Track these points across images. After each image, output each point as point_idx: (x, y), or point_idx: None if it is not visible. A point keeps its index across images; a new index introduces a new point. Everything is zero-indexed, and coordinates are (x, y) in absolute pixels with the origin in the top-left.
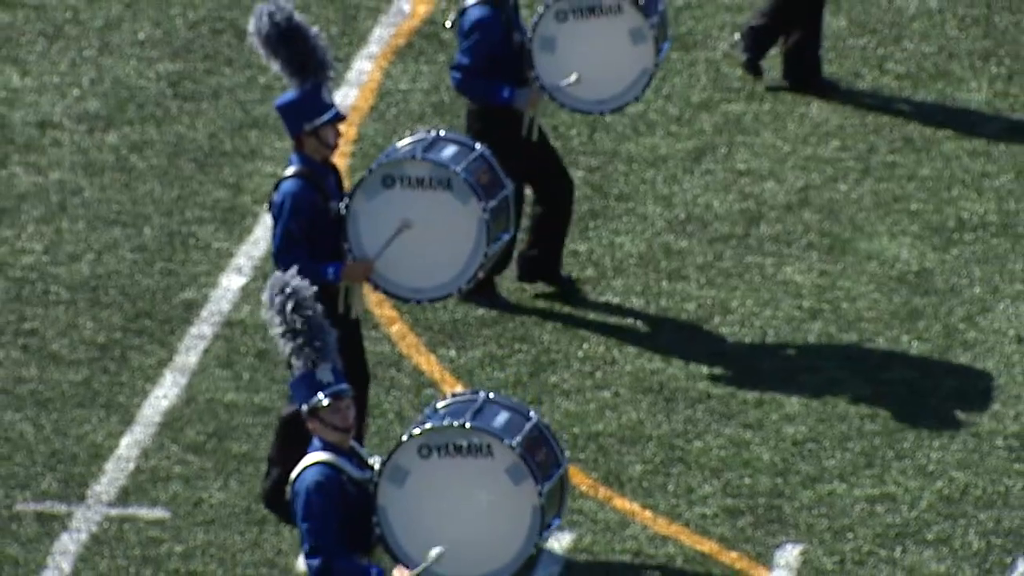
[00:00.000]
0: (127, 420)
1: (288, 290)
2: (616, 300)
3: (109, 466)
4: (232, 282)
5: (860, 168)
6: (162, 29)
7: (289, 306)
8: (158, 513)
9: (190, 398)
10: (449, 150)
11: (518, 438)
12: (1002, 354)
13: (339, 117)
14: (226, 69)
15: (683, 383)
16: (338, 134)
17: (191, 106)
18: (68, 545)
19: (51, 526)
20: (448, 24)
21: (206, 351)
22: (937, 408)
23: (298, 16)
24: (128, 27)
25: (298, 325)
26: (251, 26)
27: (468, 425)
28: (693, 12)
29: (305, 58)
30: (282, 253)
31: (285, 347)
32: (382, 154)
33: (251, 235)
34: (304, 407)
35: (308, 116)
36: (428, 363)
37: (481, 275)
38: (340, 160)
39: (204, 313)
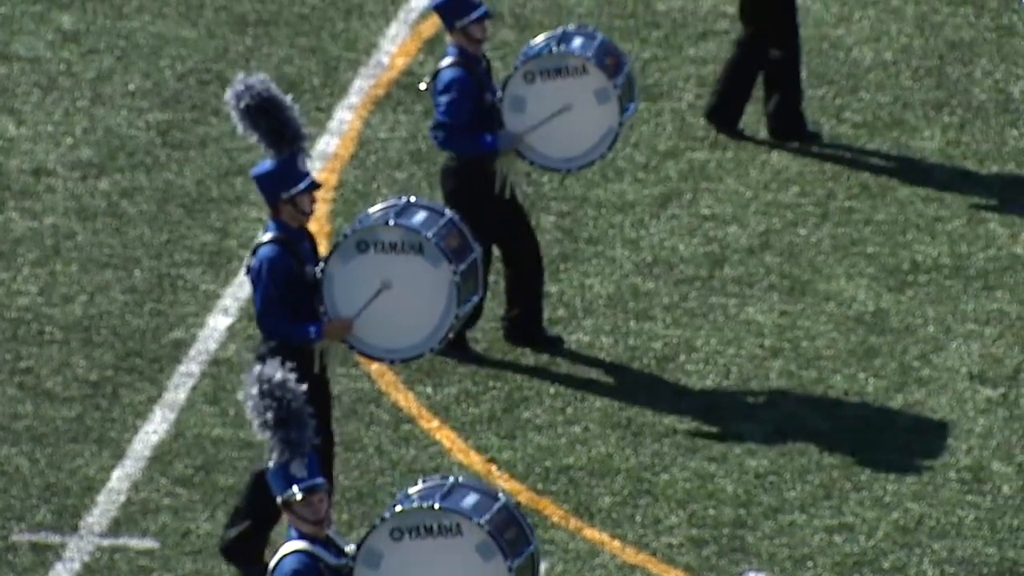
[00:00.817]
0: (118, 454)
1: (267, 384)
2: (586, 339)
3: (101, 498)
4: (219, 322)
5: (819, 213)
6: (152, 80)
7: (268, 400)
8: (148, 543)
9: (179, 433)
10: (420, 216)
11: (487, 516)
12: (955, 391)
13: (314, 186)
14: (213, 119)
15: (650, 418)
16: (313, 201)
17: (179, 154)
18: (62, 574)
19: (45, 556)
20: (422, 86)
21: (194, 388)
22: (893, 442)
23: (274, 89)
24: (119, 79)
25: (276, 418)
26: (229, 98)
27: (437, 506)
28: (659, 64)
29: (281, 129)
30: (264, 316)
31: (262, 435)
32: (356, 220)
33: (237, 277)
34: (279, 498)
35: (285, 185)
36: (406, 399)
37: (451, 336)
38: (321, 206)
39: (192, 352)
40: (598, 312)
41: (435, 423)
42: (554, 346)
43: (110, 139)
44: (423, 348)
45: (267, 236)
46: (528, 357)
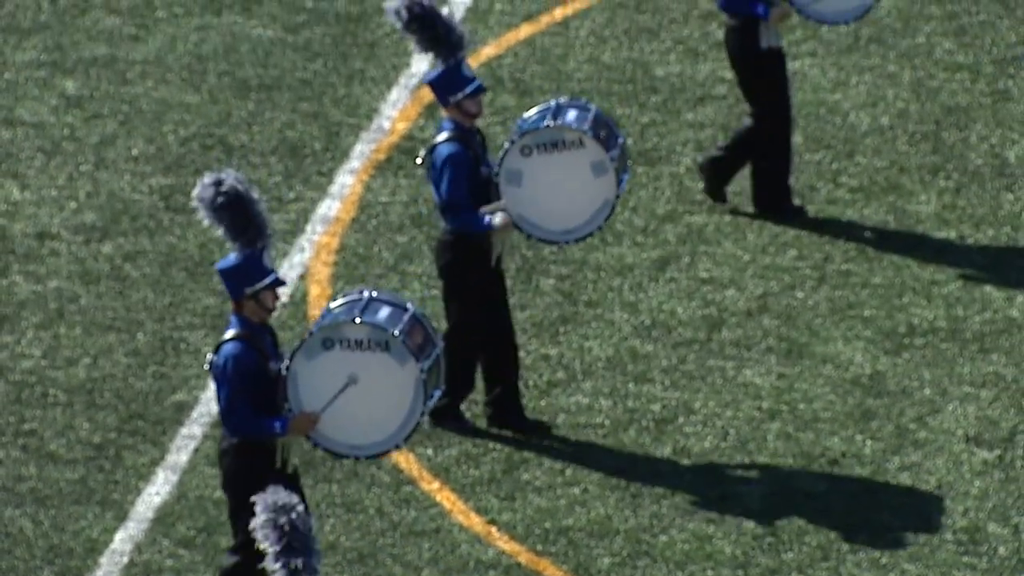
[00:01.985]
0: (121, 516)
1: (283, 511)
2: (585, 401)
3: (104, 560)
4: None
5: (816, 276)
6: (155, 145)
7: (286, 527)
8: None
9: (181, 495)
10: (384, 312)
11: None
12: (951, 453)
13: (278, 283)
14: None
15: (649, 480)
16: (276, 298)
17: (182, 218)
18: None
19: None
20: (418, 161)
21: (196, 450)
22: (890, 504)
23: (242, 185)
24: (122, 143)
25: (294, 544)
26: (196, 193)
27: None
28: (657, 129)
29: (247, 225)
30: (228, 413)
31: (273, 563)
32: (320, 316)
33: None
34: None
35: (249, 281)
36: (406, 461)
37: (415, 434)
38: (323, 269)
39: (194, 414)
40: (597, 374)
41: (435, 484)
42: (539, 430)
43: (113, 203)
44: (388, 445)
45: (230, 332)
46: (530, 415)
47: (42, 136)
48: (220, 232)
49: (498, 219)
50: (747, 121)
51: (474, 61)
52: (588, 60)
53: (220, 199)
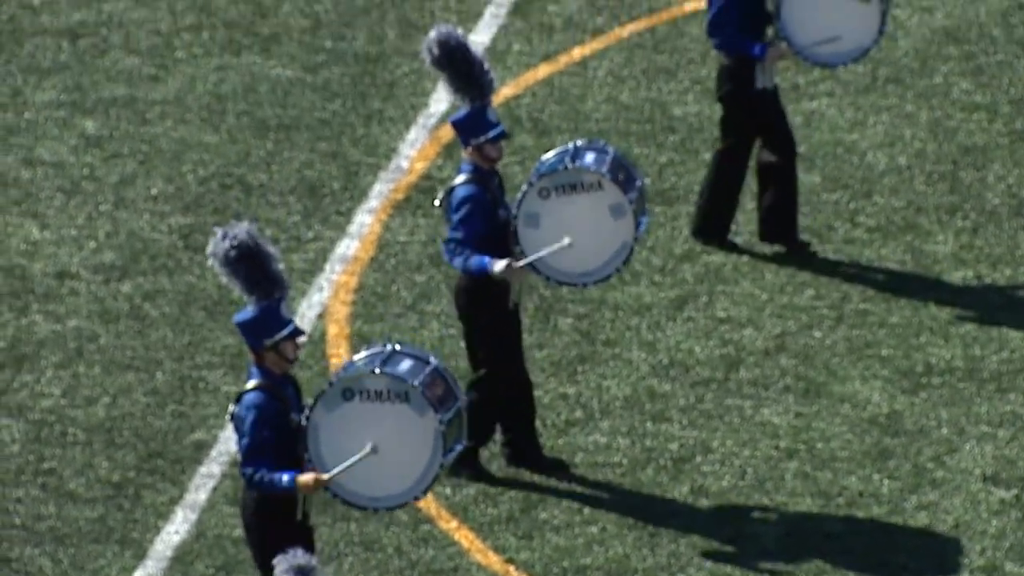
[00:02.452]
0: (140, 555)
1: (302, 573)
2: (603, 440)
3: None
4: None
5: (834, 316)
6: (174, 185)
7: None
8: None
9: (200, 534)
10: (405, 364)
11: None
12: (968, 492)
13: (297, 333)
14: (234, 222)
15: (667, 519)
16: (297, 347)
17: (201, 257)
18: None
19: None
20: (436, 203)
21: (215, 489)
22: (907, 544)
23: (254, 237)
24: (142, 183)
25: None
26: (209, 247)
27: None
28: (675, 168)
29: (262, 277)
30: (248, 463)
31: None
32: (341, 367)
33: None
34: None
35: (267, 332)
36: (425, 500)
37: (434, 486)
38: (342, 309)
39: (213, 453)
40: (615, 413)
41: (453, 523)
42: (558, 469)
43: (133, 242)
44: (407, 497)
45: (251, 383)
46: (547, 454)
47: (62, 176)
48: (236, 287)
49: (498, 266)
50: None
51: (493, 101)
52: (606, 100)
53: (233, 252)
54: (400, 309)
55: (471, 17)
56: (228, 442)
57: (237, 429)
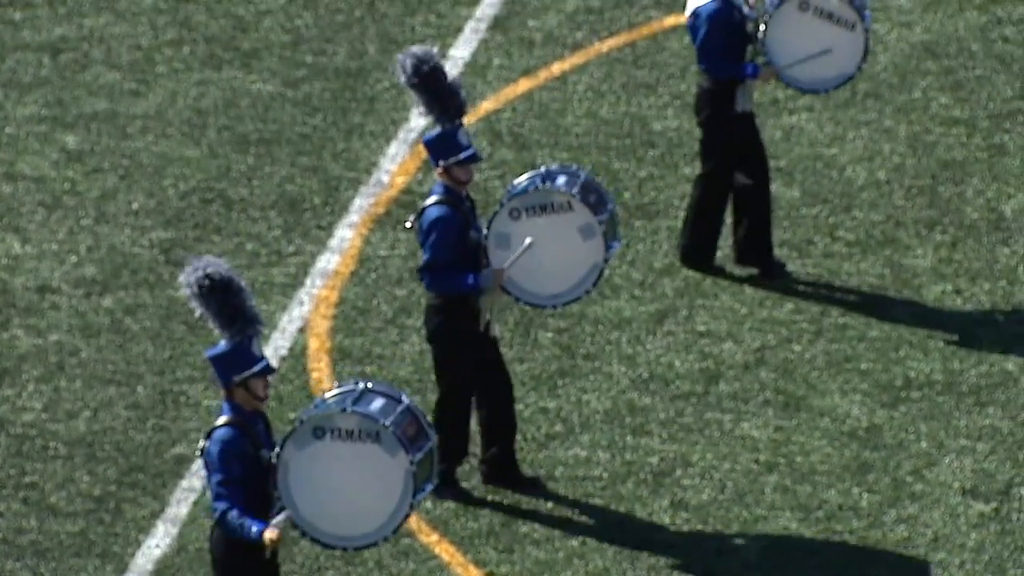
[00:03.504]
0: (121, 569)
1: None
2: (583, 454)
3: None
4: None
5: (813, 330)
6: (155, 199)
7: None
8: None
9: (181, 547)
10: (377, 403)
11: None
12: (947, 505)
13: (268, 371)
14: (215, 237)
15: (647, 533)
16: (267, 385)
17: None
18: None
19: None
20: (408, 225)
21: (196, 503)
22: (886, 556)
23: (230, 274)
24: (123, 197)
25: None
26: (183, 279)
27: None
28: (655, 183)
29: (235, 313)
30: (218, 500)
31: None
32: (311, 406)
33: None
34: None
35: (238, 368)
36: None
37: (404, 526)
38: (322, 323)
39: (194, 467)
40: (595, 427)
41: (434, 537)
42: (535, 487)
43: (114, 257)
44: (377, 537)
45: (221, 419)
46: (525, 470)
47: (43, 190)
48: (209, 321)
49: (485, 279)
50: (696, 190)
51: (473, 115)
52: (586, 115)
53: (205, 284)
54: (380, 323)
55: (451, 32)
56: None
57: (206, 465)
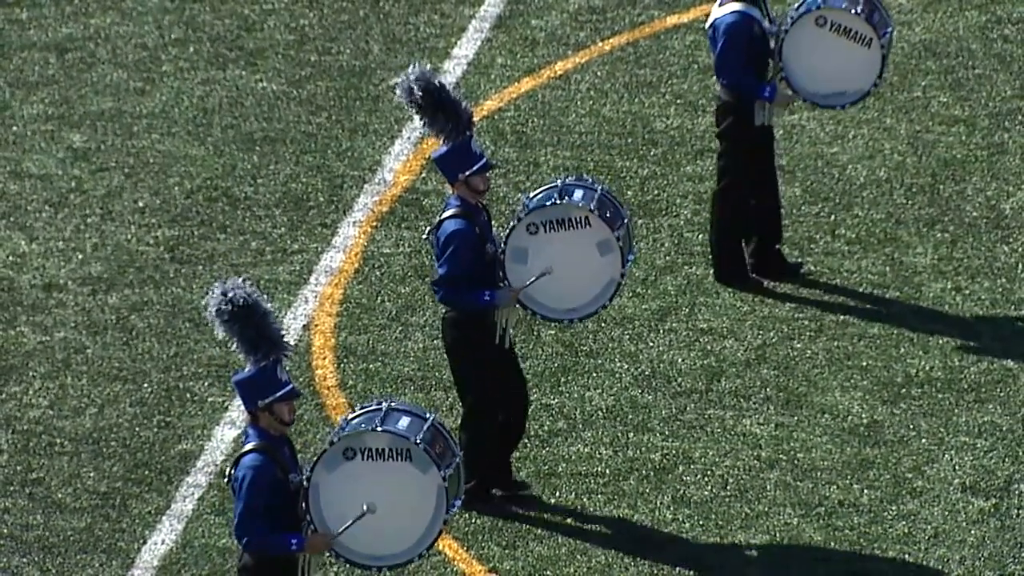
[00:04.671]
0: (127, 564)
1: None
2: (586, 450)
3: None
4: (226, 434)
5: (814, 327)
6: (160, 198)
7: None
8: None
9: (186, 543)
10: (404, 420)
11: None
12: (947, 502)
13: (292, 395)
14: (220, 235)
15: (649, 529)
16: (293, 410)
17: (187, 269)
18: None
19: None
20: (425, 237)
21: (201, 499)
22: (887, 553)
23: (255, 295)
24: (128, 196)
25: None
26: (207, 303)
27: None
28: (657, 181)
29: (259, 337)
30: (243, 526)
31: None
32: (338, 427)
33: None
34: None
35: (262, 393)
36: None
37: (436, 544)
38: (327, 319)
39: (199, 463)
40: (597, 424)
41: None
42: (523, 489)
43: (119, 255)
44: (411, 555)
45: (248, 445)
46: (528, 467)
47: (49, 189)
48: (234, 345)
49: (501, 297)
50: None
51: (476, 114)
52: (589, 113)
53: (226, 309)
54: (385, 320)
55: (455, 31)
56: (214, 452)
57: (235, 491)
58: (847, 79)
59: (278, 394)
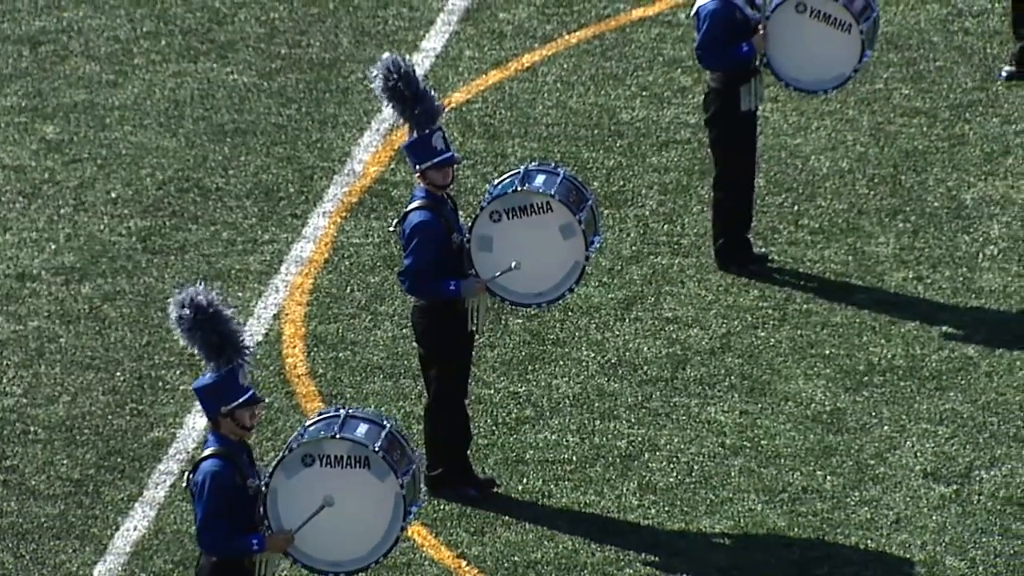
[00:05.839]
0: (100, 550)
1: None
2: (553, 438)
3: None
4: (197, 422)
5: (778, 316)
6: (132, 188)
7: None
8: None
9: (158, 530)
10: (362, 428)
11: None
12: (909, 488)
13: (254, 400)
14: (192, 225)
15: (615, 514)
16: (253, 416)
17: (159, 259)
18: None
19: None
20: (391, 228)
21: (173, 486)
22: (850, 538)
23: (217, 302)
24: (101, 187)
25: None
26: (171, 313)
27: (338, 435)
28: (623, 172)
29: (221, 343)
30: (204, 531)
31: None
32: (296, 434)
33: None
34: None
35: (224, 399)
36: None
37: (394, 550)
38: (297, 308)
39: (171, 451)
40: (564, 411)
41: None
42: (491, 486)
43: (92, 245)
44: (369, 560)
45: (208, 450)
46: (496, 454)
47: (23, 180)
48: (196, 352)
49: (466, 288)
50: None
51: (444, 106)
52: (556, 105)
53: (188, 315)
54: (354, 309)
55: (423, 24)
56: (186, 440)
57: (194, 496)
58: (828, 64)
59: (240, 400)
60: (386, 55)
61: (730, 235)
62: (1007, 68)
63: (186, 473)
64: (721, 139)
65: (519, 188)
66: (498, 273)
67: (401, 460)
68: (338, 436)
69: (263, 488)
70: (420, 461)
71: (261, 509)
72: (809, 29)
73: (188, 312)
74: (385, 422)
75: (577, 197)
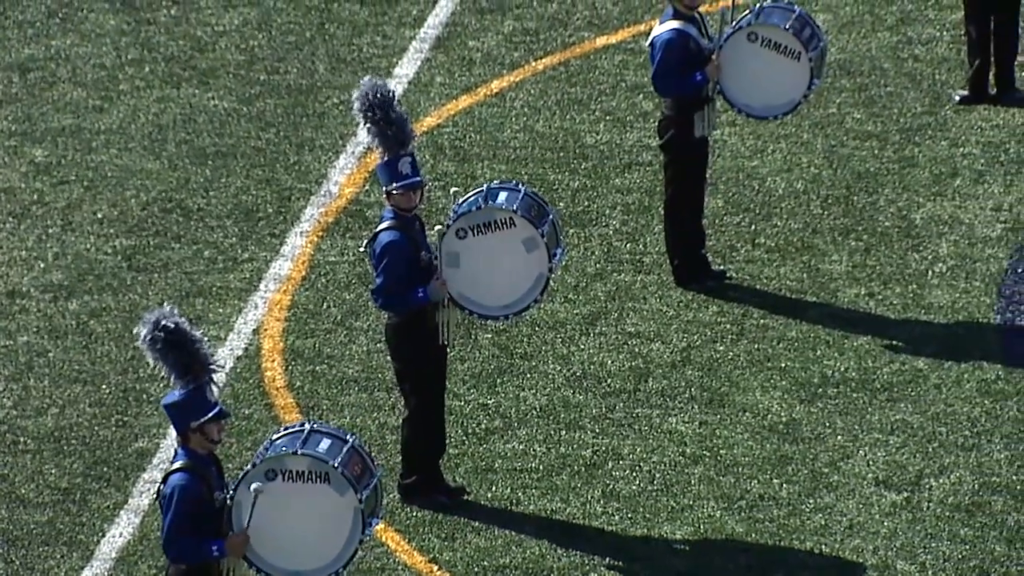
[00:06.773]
0: (87, 556)
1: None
2: (520, 447)
3: None
4: None
5: (736, 330)
6: (118, 209)
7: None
8: None
9: (143, 536)
10: (324, 443)
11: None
12: (862, 495)
13: (221, 415)
14: (174, 244)
15: (580, 521)
16: (221, 430)
17: (144, 277)
18: None
19: None
20: (361, 248)
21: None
22: (805, 543)
23: (183, 323)
24: (88, 207)
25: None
26: (140, 331)
27: (300, 452)
28: (587, 193)
29: (189, 361)
30: (170, 542)
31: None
32: (261, 448)
33: None
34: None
35: (193, 415)
36: None
37: (353, 561)
38: (276, 324)
39: (155, 460)
40: (531, 422)
41: (380, 525)
42: (462, 494)
43: (79, 263)
44: (328, 571)
45: (177, 464)
46: (466, 463)
47: (12, 201)
48: (165, 371)
49: (432, 290)
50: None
51: (416, 129)
52: (523, 129)
53: (162, 335)
54: (330, 325)
55: (396, 52)
56: (169, 450)
57: (163, 507)
58: (778, 91)
59: (209, 415)
60: (367, 78)
61: (686, 254)
62: (960, 92)
63: (157, 485)
64: (675, 163)
65: (483, 205)
66: (457, 273)
67: (362, 475)
68: (299, 452)
69: (228, 501)
70: (380, 477)
71: (227, 521)
72: (760, 58)
73: (160, 333)
74: (348, 437)
75: (539, 212)
